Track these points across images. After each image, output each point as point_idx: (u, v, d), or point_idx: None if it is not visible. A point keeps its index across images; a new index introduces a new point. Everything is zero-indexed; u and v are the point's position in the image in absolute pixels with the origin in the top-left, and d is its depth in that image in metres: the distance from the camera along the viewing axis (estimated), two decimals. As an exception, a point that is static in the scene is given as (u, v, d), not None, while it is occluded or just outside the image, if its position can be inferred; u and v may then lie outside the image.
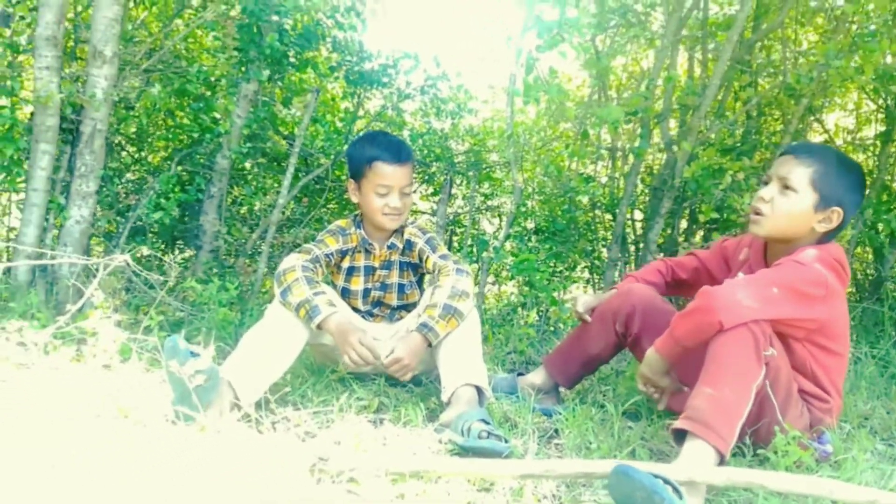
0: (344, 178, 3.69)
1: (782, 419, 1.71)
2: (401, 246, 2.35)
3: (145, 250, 3.07)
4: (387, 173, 2.23)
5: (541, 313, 3.30)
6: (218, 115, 3.36)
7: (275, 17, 3.13)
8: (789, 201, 1.84)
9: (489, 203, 4.53)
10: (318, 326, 2.03)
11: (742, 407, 1.59)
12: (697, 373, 1.65)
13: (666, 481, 1.37)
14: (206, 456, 1.51)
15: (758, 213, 1.88)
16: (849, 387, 2.50)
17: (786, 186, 1.84)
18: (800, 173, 1.83)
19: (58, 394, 1.78)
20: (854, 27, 3.09)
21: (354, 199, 2.32)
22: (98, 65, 2.83)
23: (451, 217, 4.36)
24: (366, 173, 2.24)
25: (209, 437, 1.62)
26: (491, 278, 4.34)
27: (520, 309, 3.50)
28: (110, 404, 1.75)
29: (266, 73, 3.17)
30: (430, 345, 2.08)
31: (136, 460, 1.47)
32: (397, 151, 2.26)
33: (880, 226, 3.20)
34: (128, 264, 2.28)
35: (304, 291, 2.05)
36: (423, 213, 4.46)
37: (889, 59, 3.11)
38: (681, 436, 1.61)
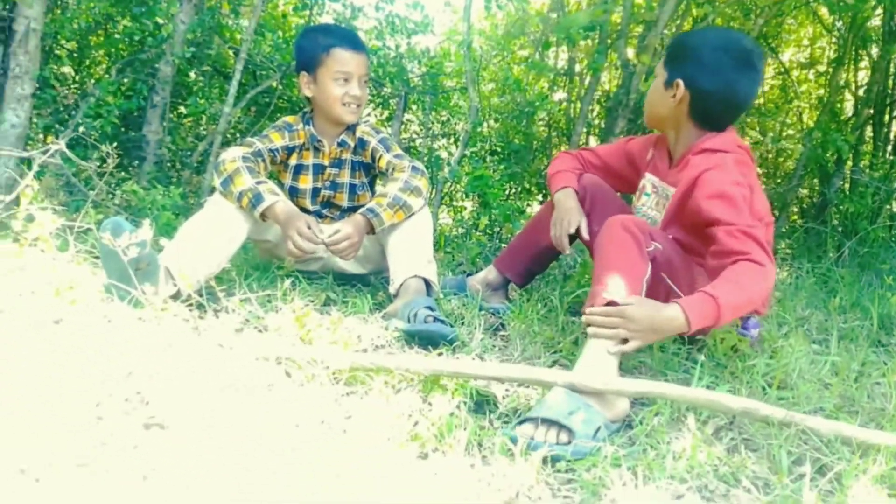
0: (294, 94, 3.59)
1: None
2: (352, 144, 2.29)
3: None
4: (346, 59, 2.16)
5: (493, 231, 3.29)
6: (161, 21, 3.21)
7: (221, -85, 2.98)
8: (652, 85, 1.95)
9: (445, 130, 4.47)
10: (262, 215, 1.97)
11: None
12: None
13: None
14: (139, 331, 1.47)
15: None
16: (789, 295, 2.56)
17: (655, 75, 1.95)
18: (661, 58, 1.95)
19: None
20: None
21: (307, 93, 2.24)
22: (30, -42, 2.67)
23: (407, 143, 4.30)
24: (323, 61, 2.16)
25: (146, 315, 1.57)
26: (447, 202, 4.32)
27: (474, 230, 3.49)
28: (46, 288, 1.68)
29: (212, -24, 3.04)
30: (373, 230, 2.04)
31: (66, 335, 1.42)
32: (354, 39, 2.22)
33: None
34: (63, 156, 2.18)
35: (246, 181, 1.98)
36: (378, 137, 4.38)
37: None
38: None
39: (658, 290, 1.69)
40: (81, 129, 2.96)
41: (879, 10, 3.42)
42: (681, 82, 1.84)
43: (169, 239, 2.44)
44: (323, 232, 2.00)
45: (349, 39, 2.20)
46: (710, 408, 1.46)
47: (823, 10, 3.55)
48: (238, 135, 3.51)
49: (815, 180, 3.70)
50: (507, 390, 1.55)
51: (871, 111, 3.58)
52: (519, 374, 1.47)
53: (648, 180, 2.02)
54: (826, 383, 1.76)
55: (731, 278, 1.61)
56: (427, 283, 2.02)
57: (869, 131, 3.72)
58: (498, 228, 3.32)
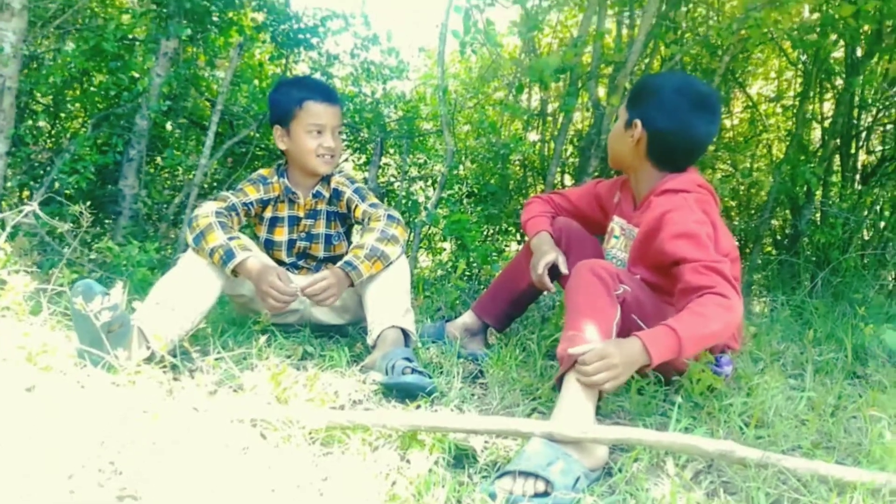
0: (271, 143, 3.61)
1: None
2: (327, 195, 2.30)
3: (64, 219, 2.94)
4: (319, 112, 2.19)
5: (473, 273, 3.30)
6: (136, 75, 3.24)
7: (194, -28, 3.02)
8: (614, 127, 2.02)
9: (423, 172, 4.51)
10: (234, 271, 1.97)
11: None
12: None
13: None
14: (112, 397, 1.46)
15: None
16: (765, 329, 2.58)
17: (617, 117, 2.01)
18: (623, 101, 2.00)
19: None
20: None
21: (282, 146, 2.26)
22: (6, 17, 2.69)
23: (384, 187, 4.33)
24: (296, 115, 2.19)
25: (121, 380, 1.56)
26: (425, 245, 4.34)
27: (453, 270, 3.50)
28: (17, 350, 1.66)
29: (187, 31, 3.07)
30: (352, 283, 2.05)
31: (39, 404, 1.41)
32: (327, 91, 2.26)
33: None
34: (37, 217, 2.18)
35: (218, 237, 1.99)
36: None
37: (806, 14, 3.21)
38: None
39: (629, 332, 1.71)
40: (57, 184, 2.96)
41: (842, 43, 3.52)
42: (638, 123, 1.89)
43: (144, 295, 2.44)
44: (294, 283, 2.00)
45: (322, 92, 2.23)
46: (687, 452, 1.47)
47: (788, 44, 3.65)
48: (215, 186, 3.52)
49: (787, 212, 3.75)
50: (486, 442, 1.54)
51: (838, 142, 3.65)
52: (496, 425, 1.47)
53: (616, 223, 2.05)
54: (803, 420, 1.78)
55: (695, 310, 1.63)
56: (405, 333, 2.02)
57: (837, 162, 3.80)
58: (476, 271, 3.34)
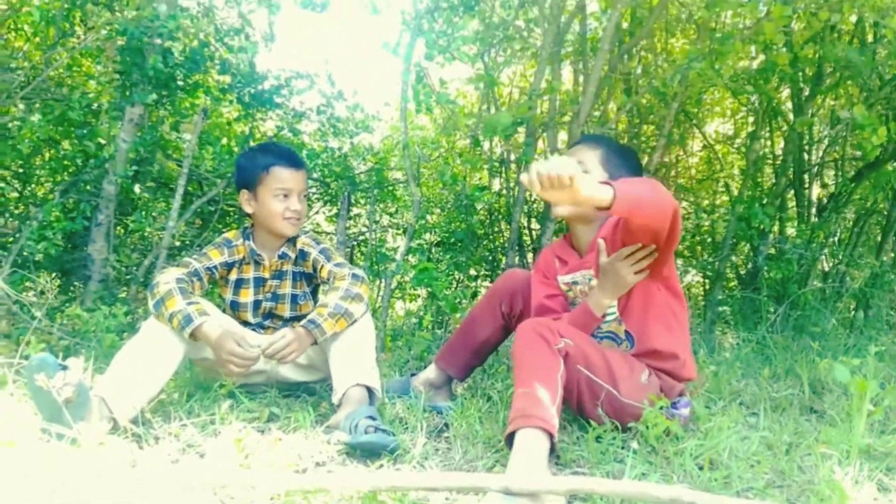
0: (238, 200, 3.67)
1: (618, 392, 1.85)
2: (293, 255, 2.36)
3: (33, 286, 2.96)
4: (285, 177, 2.26)
5: (442, 321, 3.35)
6: (103, 141, 3.29)
7: (157, 40, 3.10)
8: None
9: (394, 221, 4.58)
10: (192, 335, 2.01)
11: (554, 395, 1.70)
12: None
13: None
14: (79, 471, 1.48)
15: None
16: (725, 368, 2.65)
17: (583, 170, 1.97)
18: (592, 156, 2.09)
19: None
20: (716, 34, 3.31)
21: (248, 210, 2.32)
22: (-31, 92, 2.74)
23: (356, 237, 4.39)
24: (262, 180, 2.26)
25: (84, 453, 1.58)
26: (399, 294, 4.39)
27: (424, 319, 3.55)
28: (-21, 430, 1.68)
29: (152, 96, 3.14)
30: (315, 342, 2.09)
31: (5, 480, 1.42)
32: (292, 157, 2.33)
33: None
34: (4, 291, 2.20)
35: (177, 302, 2.03)
36: (328, 233, 4.47)
37: (745, 63, 3.35)
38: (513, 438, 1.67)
39: (577, 384, 1.79)
40: (25, 252, 2.98)
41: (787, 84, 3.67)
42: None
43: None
44: (254, 346, 2.05)
45: (287, 157, 2.31)
46: (642, 499, 1.51)
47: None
48: (184, 246, 3.56)
49: (748, 246, 3.86)
50: (446, 499, 1.57)
51: (791, 178, 3.78)
52: (454, 482, 1.51)
53: (562, 282, 2.15)
54: (757, 460, 1.83)
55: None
56: (370, 391, 2.05)
57: (791, 197, 3.92)
58: (446, 318, 3.39)
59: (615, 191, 1.61)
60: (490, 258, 3.94)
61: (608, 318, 2.02)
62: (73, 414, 1.66)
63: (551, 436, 1.64)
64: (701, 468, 1.73)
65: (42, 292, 2.28)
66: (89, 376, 2.00)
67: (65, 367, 1.69)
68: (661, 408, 1.83)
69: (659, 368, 1.98)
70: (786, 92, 3.89)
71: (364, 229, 4.41)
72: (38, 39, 3.67)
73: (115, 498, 1.37)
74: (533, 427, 1.63)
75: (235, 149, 3.82)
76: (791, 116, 3.75)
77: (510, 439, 1.66)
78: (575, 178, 1.52)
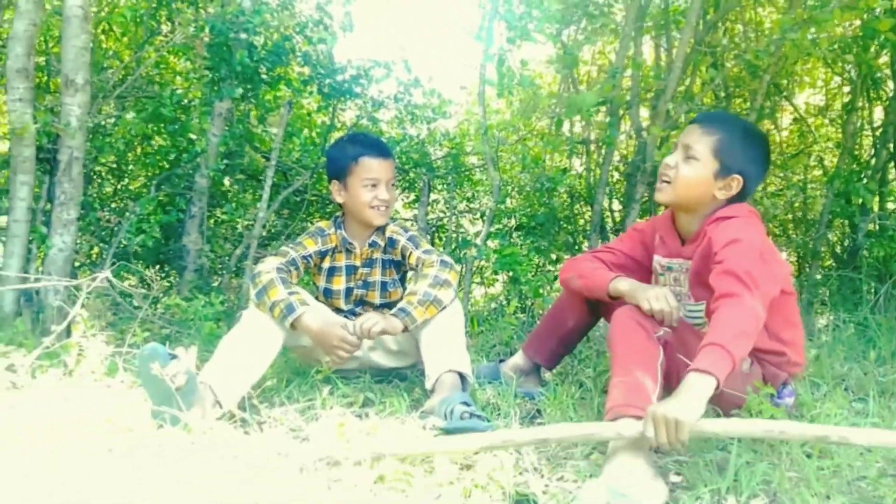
0: (324, 190, 3.74)
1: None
2: (382, 244, 2.39)
3: (132, 276, 3.12)
4: (374, 167, 2.30)
5: (525, 306, 3.34)
6: (194, 136, 3.41)
7: (243, 35, 3.18)
8: (691, 169, 1.89)
9: (471, 206, 4.58)
10: (293, 325, 2.07)
11: (654, 384, 1.65)
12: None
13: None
14: (194, 455, 1.55)
15: (664, 181, 1.94)
16: (827, 351, 2.54)
17: (689, 155, 1.89)
18: (704, 142, 1.88)
19: (47, 411, 1.80)
20: (809, 1, 3.16)
21: (339, 200, 2.37)
22: (71, 93, 2.87)
23: (435, 223, 4.42)
24: (352, 170, 2.30)
25: (196, 438, 1.65)
26: (477, 279, 4.39)
27: (506, 305, 3.54)
28: (98, 415, 1.77)
29: (239, 90, 3.22)
30: (406, 329, 2.12)
31: (125, 465, 1.50)
32: (381, 146, 2.37)
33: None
34: (110, 282, 2.32)
35: (279, 292, 2.09)
36: (406, 219, 4.51)
37: (841, 30, 3.18)
38: None
39: (677, 373, 1.72)
40: (124, 244, 3.13)
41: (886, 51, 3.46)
42: (741, 179, 1.89)
43: (212, 347, 2.55)
44: (354, 326, 2.11)
45: (376, 147, 2.35)
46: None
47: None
48: (273, 236, 3.66)
49: (845, 224, 3.68)
50: (546, 486, 1.57)
51: (891, 150, 3.58)
52: (566, 432, 1.57)
53: (658, 262, 2.07)
54: (867, 447, 1.75)
55: (716, 322, 1.62)
56: (462, 377, 2.07)
57: (893, 170, 3.72)
58: (530, 303, 3.37)
59: (729, 353, 1.54)
60: (572, 242, 3.89)
61: (698, 319, 1.96)
62: (183, 400, 1.73)
63: None
64: (809, 456, 1.67)
65: (147, 283, 2.38)
66: (193, 363, 2.09)
67: (174, 356, 1.76)
68: (767, 396, 1.77)
69: (762, 357, 1.91)
70: (883, 59, 3.68)
71: (442, 215, 4.43)
72: (126, 39, 3.83)
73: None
74: (632, 417, 1.59)
75: (318, 140, 3.90)
76: (891, 85, 3.55)
77: None
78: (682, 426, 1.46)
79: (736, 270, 1.67)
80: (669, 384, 1.76)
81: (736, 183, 1.89)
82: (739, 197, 1.92)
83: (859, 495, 1.54)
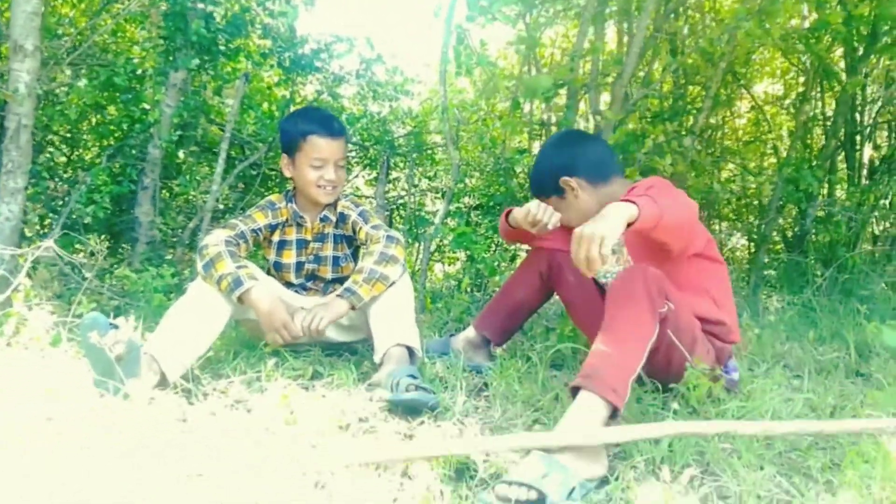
0: (279, 164, 3.71)
1: (690, 359, 1.79)
2: (334, 219, 2.38)
3: (84, 248, 3.05)
4: (321, 146, 2.26)
5: (482, 283, 3.36)
6: (147, 106, 3.35)
7: (200, 5, 3.13)
8: (572, 209, 2.06)
9: (433, 185, 4.58)
10: (240, 299, 2.05)
11: (635, 364, 1.62)
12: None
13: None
14: (135, 425, 1.54)
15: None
16: (770, 331, 2.61)
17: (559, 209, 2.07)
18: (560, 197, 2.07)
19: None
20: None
21: (288, 174, 2.35)
22: (19, 59, 2.79)
23: (396, 200, 4.41)
24: (300, 147, 2.27)
25: (139, 408, 1.64)
26: (438, 257, 4.41)
27: (463, 282, 3.57)
28: (39, 385, 1.75)
29: (195, 61, 3.17)
30: (353, 308, 2.12)
31: (64, 435, 1.49)
32: (331, 125, 2.30)
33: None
34: (55, 252, 2.27)
35: (227, 265, 2.07)
36: (367, 197, 4.50)
37: (795, 22, 3.24)
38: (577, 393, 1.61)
39: (658, 347, 1.71)
40: (75, 215, 3.07)
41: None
42: (568, 179, 2.01)
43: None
44: (296, 307, 2.10)
45: (326, 126, 2.28)
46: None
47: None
48: (228, 209, 3.62)
49: (795, 210, 3.77)
50: (486, 456, 1.59)
51: (841, 140, 3.67)
52: (494, 444, 1.53)
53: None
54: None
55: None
56: (410, 350, 2.08)
57: (842, 159, 3.81)
58: (486, 281, 3.40)
59: (639, 209, 1.59)
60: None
61: None
62: (124, 370, 1.72)
63: (615, 410, 1.57)
64: (742, 430, 1.71)
65: (92, 254, 2.34)
66: (139, 335, 2.06)
67: (115, 326, 1.74)
68: (705, 370, 1.81)
69: (710, 329, 1.94)
70: (838, 52, 3.76)
71: (403, 193, 4.43)
72: (83, 6, 3.74)
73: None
74: (596, 394, 1.55)
75: (276, 113, 3.86)
76: (844, 77, 3.63)
77: (574, 392, 1.60)
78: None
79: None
80: (651, 361, 1.71)
81: (574, 182, 2.01)
82: (602, 178, 2.03)
83: (790, 465, 1.60)
